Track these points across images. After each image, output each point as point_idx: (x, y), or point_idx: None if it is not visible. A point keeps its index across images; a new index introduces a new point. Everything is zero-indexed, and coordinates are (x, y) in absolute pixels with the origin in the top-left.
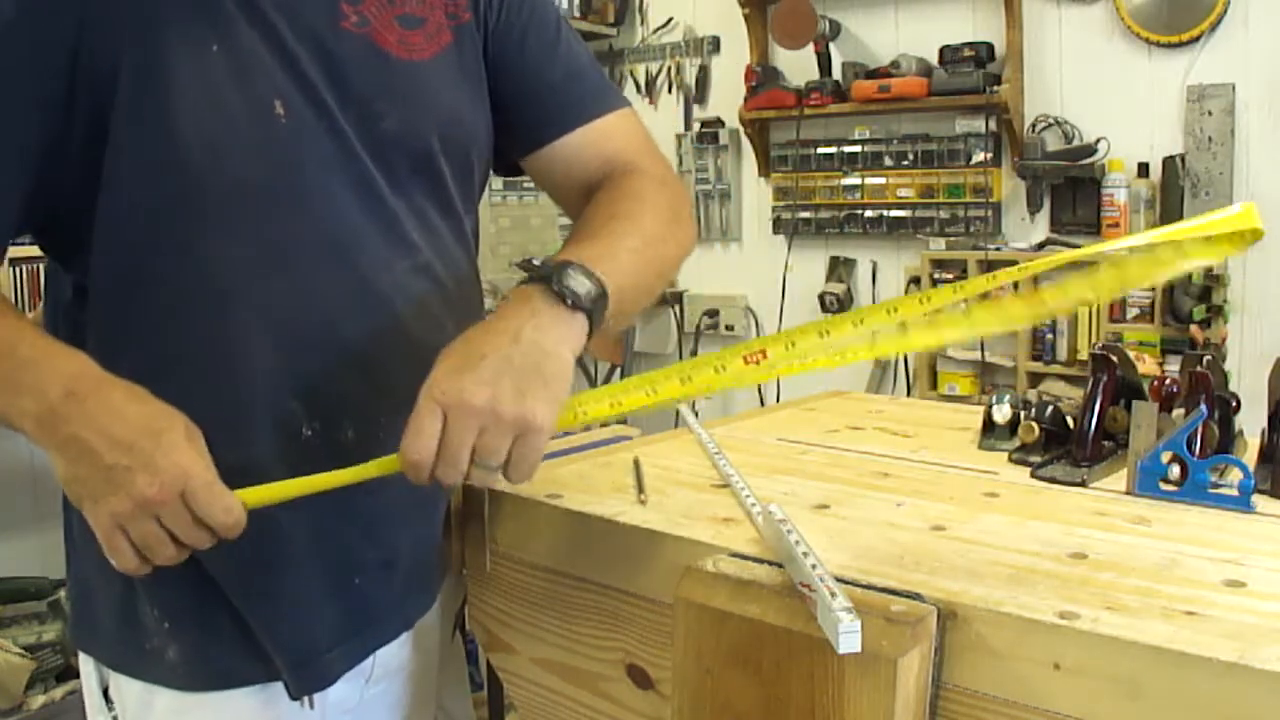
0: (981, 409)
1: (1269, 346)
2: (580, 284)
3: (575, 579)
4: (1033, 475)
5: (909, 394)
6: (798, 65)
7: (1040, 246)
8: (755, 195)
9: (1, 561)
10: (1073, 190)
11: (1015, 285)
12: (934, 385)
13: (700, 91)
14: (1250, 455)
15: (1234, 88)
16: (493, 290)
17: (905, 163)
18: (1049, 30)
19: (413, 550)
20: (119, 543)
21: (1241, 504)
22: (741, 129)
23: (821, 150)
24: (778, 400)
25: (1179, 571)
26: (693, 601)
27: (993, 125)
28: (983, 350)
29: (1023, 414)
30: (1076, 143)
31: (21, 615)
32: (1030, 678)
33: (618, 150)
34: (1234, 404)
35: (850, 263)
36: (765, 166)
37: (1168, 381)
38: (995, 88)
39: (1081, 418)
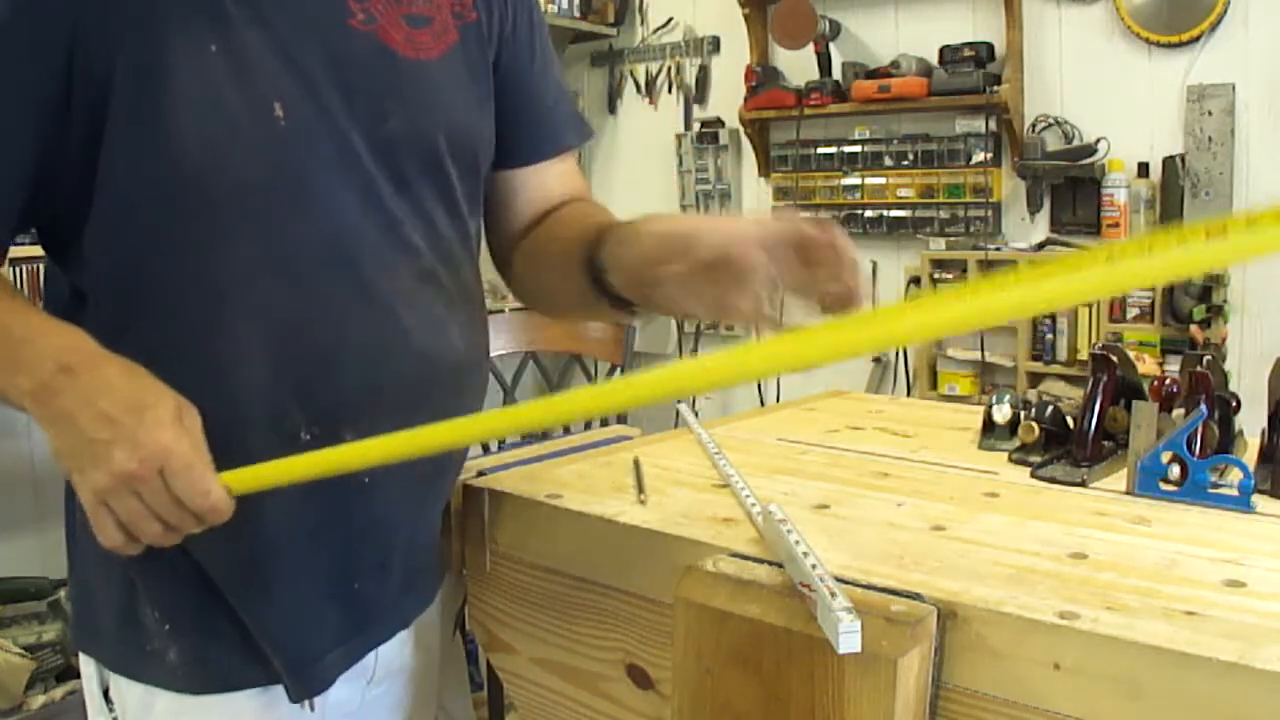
0: (981, 409)
1: (1269, 346)
2: None
3: (575, 579)
4: (1033, 475)
5: (909, 394)
6: (798, 65)
7: (1040, 246)
8: (755, 195)
9: (1, 561)
10: (1073, 190)
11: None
12: (934, 385)
13: (700, 91)
14: (1250, 455)
15: (1234, 88)
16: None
17: (905, 163)
18: (1049, 30)
19: (409, 550)
20: (102, 518)
21: (1241, 504)
22: (741, 129)
23: (821, 150)
24: (778, 400)
25: (1179, 571)
26: (693, 601)
27: (993, 125)
28: (983, 350)
29: (1023, 414)
30: (1076, 143)
31: (21, 615)
32: (1030, 678)
33: (576, 189)
34: (1234, 404)
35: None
36: (765, 166)
37: (1168, 381)
38: (995, 88)
39: (1081, 418)
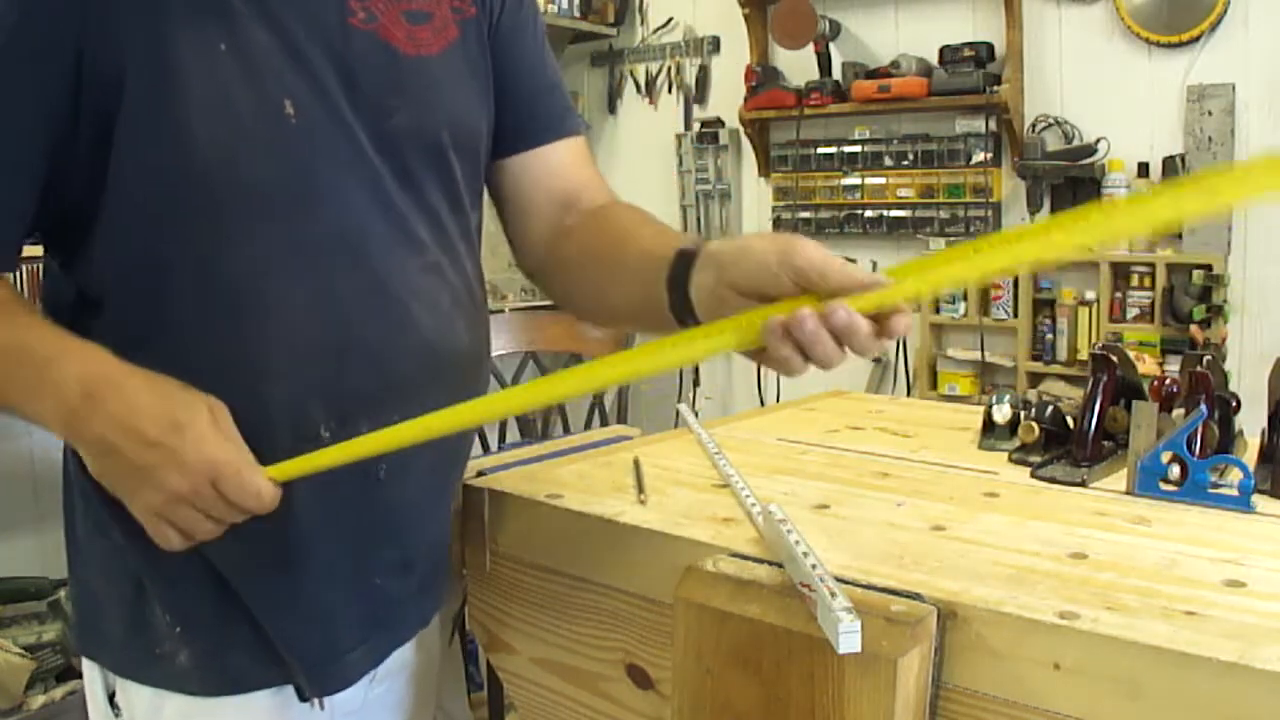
0: (981, 409)
1: (1269, 346)
2: None
3: (575, 579)
4: (1033, 475)
5: (909, 394)
6: (798, 65)
7: None
8: (755, 195)
9: (1, 561)
10: (1073, 190)
11: None
12: (934, 385)
13: (700, 91)
14: (1250, 455)
15: (1234, 88)
16: (492, 291)
17: (905, 163)
18: (1049, 30)
19: (429, 549)
20: (163, 529)
21: (1241, 504)
22: (741, 129)
23: (821, 150)
24: (778, 400)
25: (1179, 571)
26: (693, 601)
27: (993, 125)
28: (983, 350)
29: (1023, 414)
30: (1076, 143)
31: (21, 615)
32: (1030, 678)
33: (592, 176)
34: (1234, 404)
35: (850, 262)
36: (765, 166)
37: (1168, 381)
38: (995, 88)
39: (1081, 418)
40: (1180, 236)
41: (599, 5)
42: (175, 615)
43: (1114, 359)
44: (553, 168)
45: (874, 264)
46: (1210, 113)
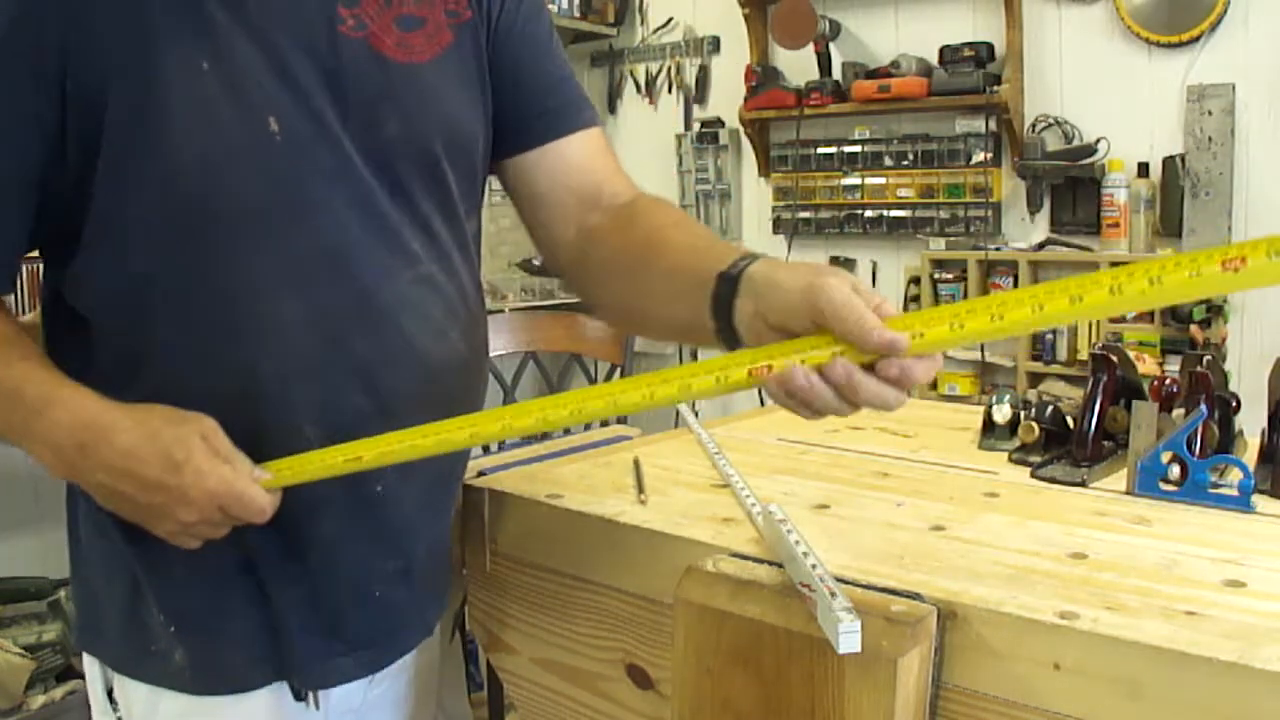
0: (981, 409)
1: (1269, 346)
2: None
3: (575, 579)
4: (1033, 475)
5: (909, 394)
6: (798, 65)
7: (1040, 246)
8: (755, 195)
9: (1, 561)
10: (1073, 190)
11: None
12: (934, 385)
13: (700, 91)
14: (1250, 455)
15: (1234, 88)
16: (492, 291)
17: (905, 163)
18: (1049, 30)
19: (428, 556)
20: (181, 540)
21: (1241, 504)
22: (741, 129)
23: (821, 150)
24: None
25: (1179, 571)
26: (693, 601)
27: (993, 125)
28: (983, 350)
29: (1023, 414)
30: (1076, 143)
31: (21, 615)
32: (1030, 678)
33: (612, 168)
34: (1234, 404)
35: (850, 263)
36: (765, 166)
37: (1168, 381)
38: (995, 88)
39: (1081, 418)
40: (1180, 237)
41: (599, 5)
42: (169, 615)
43: (1114, 359)
44: (570, 162)
45: (874, 264)
46: (1210, 113)
